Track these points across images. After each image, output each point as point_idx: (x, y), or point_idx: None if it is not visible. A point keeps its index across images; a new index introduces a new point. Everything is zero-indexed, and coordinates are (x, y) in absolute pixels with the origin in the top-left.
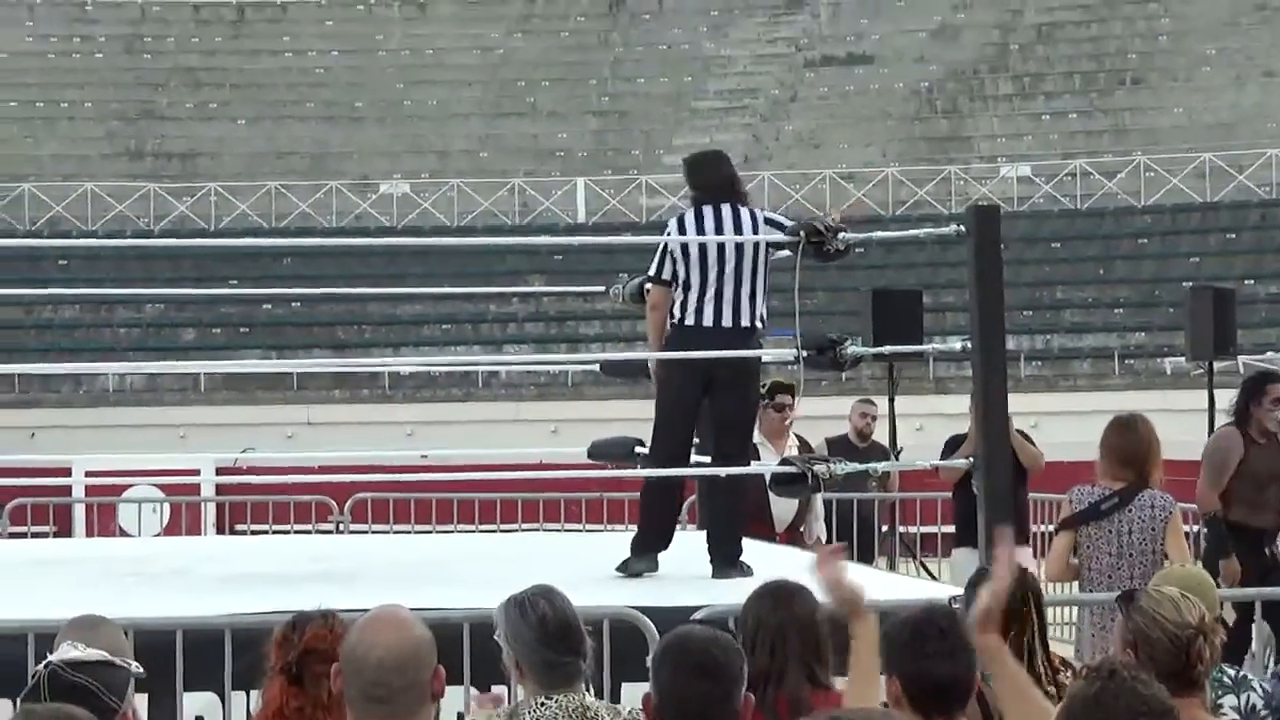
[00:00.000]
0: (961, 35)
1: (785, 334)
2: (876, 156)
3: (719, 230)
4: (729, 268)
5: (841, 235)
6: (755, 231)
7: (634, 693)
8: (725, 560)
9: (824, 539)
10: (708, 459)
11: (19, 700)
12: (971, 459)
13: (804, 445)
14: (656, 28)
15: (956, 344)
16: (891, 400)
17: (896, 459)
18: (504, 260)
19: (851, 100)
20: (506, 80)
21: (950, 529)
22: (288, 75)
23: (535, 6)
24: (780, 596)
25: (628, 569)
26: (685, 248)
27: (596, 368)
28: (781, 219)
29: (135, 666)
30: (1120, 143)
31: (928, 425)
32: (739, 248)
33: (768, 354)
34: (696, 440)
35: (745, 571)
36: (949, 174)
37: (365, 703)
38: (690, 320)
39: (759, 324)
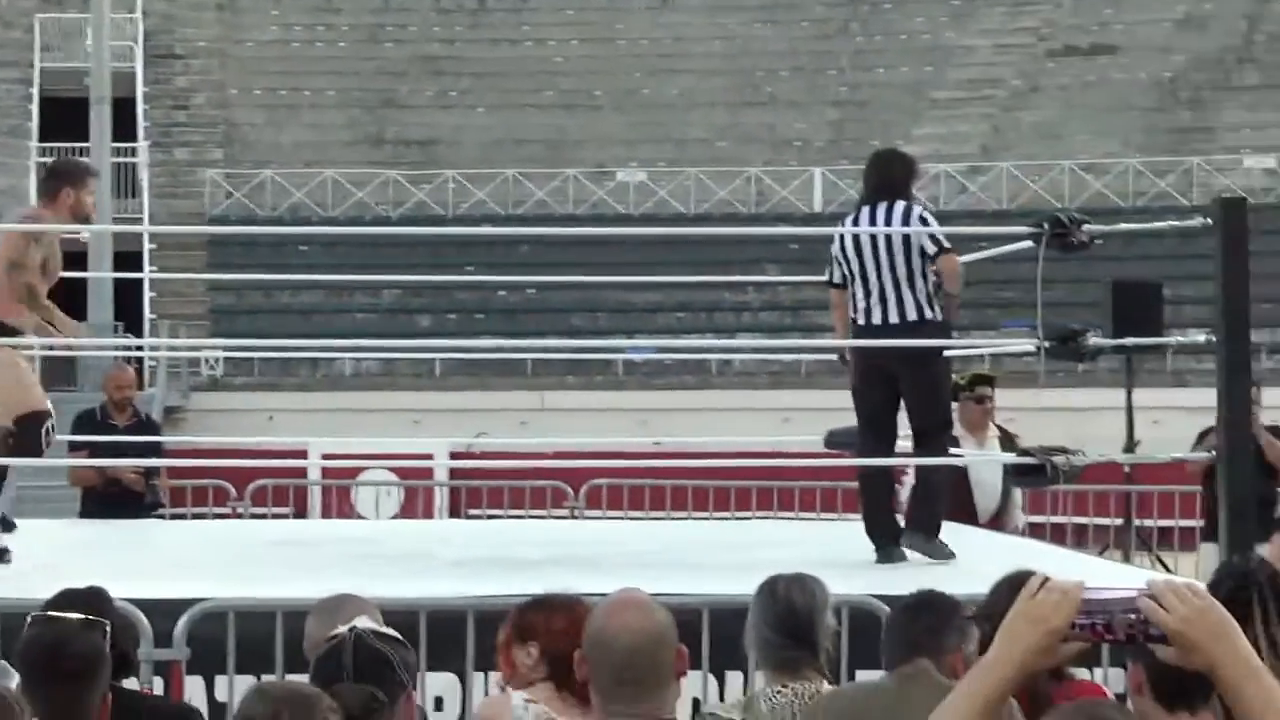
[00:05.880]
0: (1208, 25)
1: (1022, 325)
2: (1117, 147)
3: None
4: (882, 265)
5: (1086, 227)
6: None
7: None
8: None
9: (1021, 528)
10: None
11: (316, 659)
12: (1213, 452)
13: (1005, 436)
14: (897, 17)
15: (1200, 336)
16: (1129, 392)
17: (1133, 451)
18: (740, 249)
19: (1093, 91)
20: (746, 70)
21: (1188, 523)
22: (527, 64)
23: None
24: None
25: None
26: (843, 250)
27: (832, 356)
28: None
29: None
30: None
31: (1164, 418)
32: (884, 246)
33: (1012, 344)
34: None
35: (942, 552)
36: (1191, 165)
37: (615, 686)
38: (861, 320)
39: (924, 316)
